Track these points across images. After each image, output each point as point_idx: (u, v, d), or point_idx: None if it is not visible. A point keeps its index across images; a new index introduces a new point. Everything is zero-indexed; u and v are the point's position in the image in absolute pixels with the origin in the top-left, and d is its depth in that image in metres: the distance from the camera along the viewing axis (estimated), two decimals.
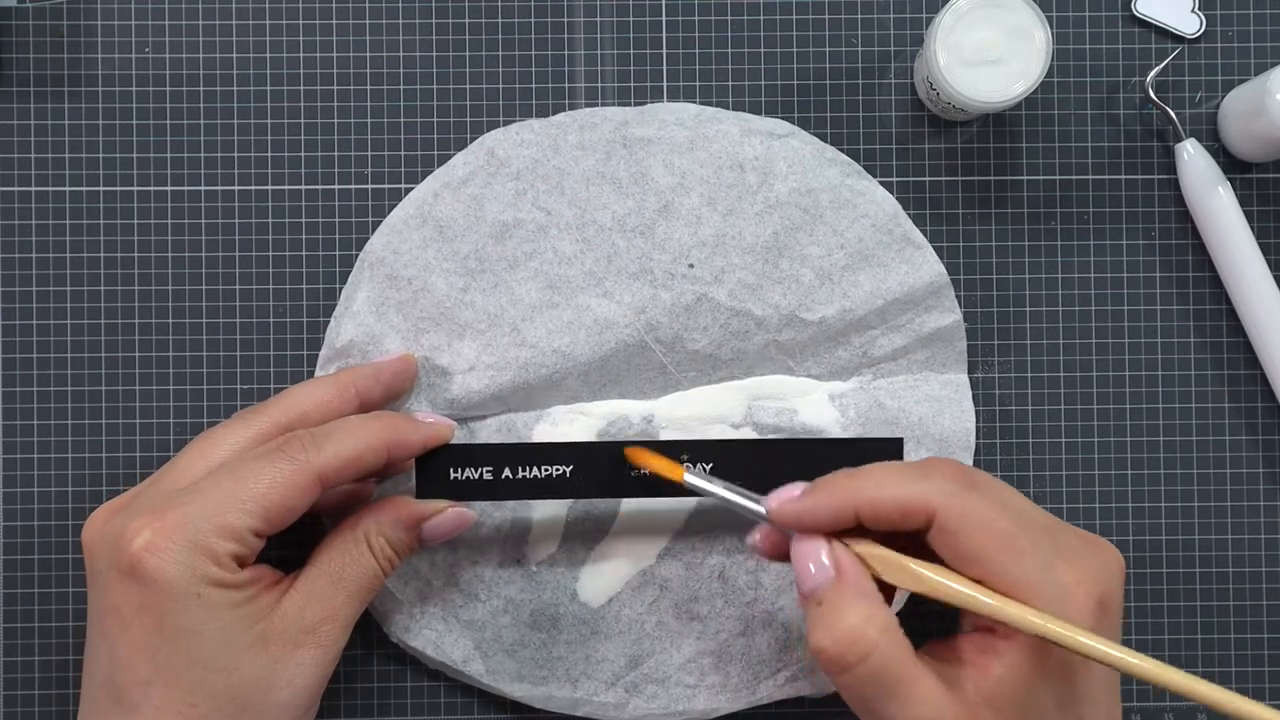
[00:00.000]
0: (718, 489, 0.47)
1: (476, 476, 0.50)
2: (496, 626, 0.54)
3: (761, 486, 0.47)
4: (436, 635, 0.54)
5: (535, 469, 0.51)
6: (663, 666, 0.54)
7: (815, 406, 0.54)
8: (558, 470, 0.51)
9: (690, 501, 0.54)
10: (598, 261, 0.54)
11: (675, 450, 0.51)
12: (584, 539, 0.54)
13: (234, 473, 0.46)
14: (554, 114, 0.55)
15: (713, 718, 0.54)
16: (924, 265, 0.54)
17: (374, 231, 0.55)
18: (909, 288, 0.54)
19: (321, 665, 0.47)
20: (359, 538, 0.49)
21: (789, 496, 0.45)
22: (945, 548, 0.43)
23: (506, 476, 0.50)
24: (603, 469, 0.51)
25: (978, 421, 0.56)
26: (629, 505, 0.54)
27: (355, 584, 0.48)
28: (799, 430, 0.54)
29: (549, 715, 0.55)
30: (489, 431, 0.54)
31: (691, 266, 0.54)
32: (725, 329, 0.54)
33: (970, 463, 0.54)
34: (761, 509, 0.46)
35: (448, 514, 0.51)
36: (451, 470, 0.50)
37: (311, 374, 0.55)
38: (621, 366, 0.54)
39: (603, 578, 0.54)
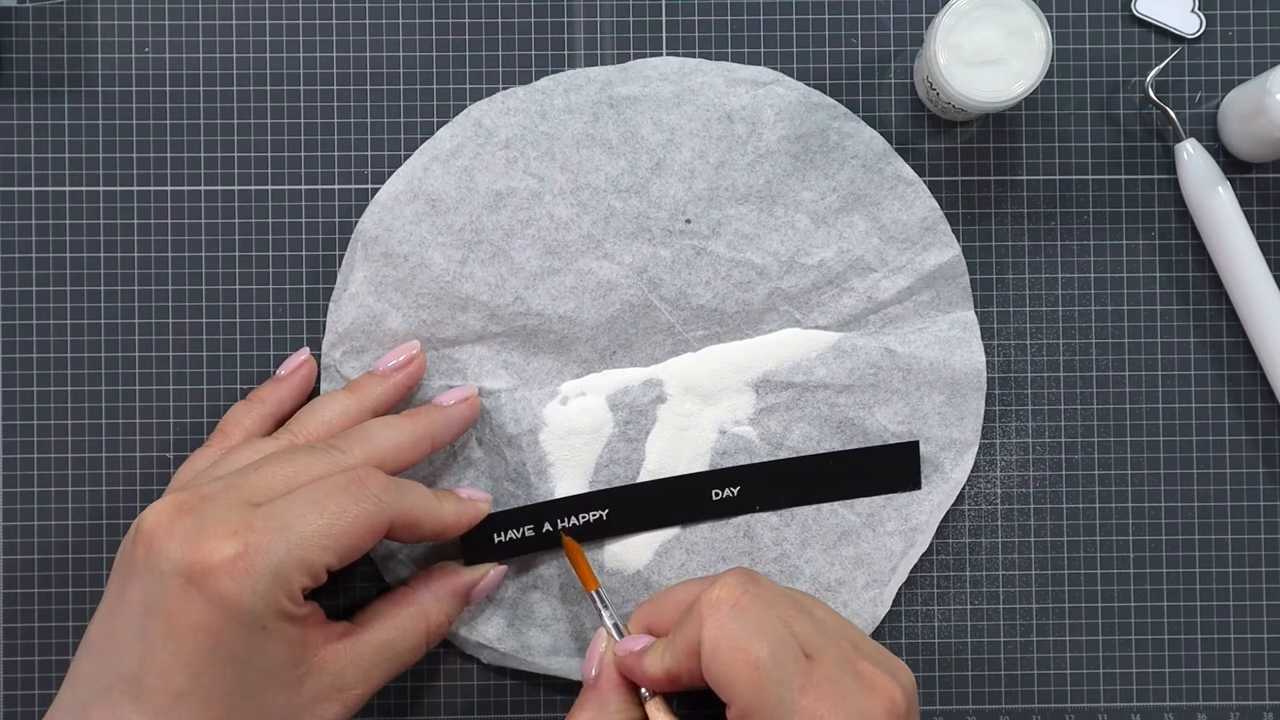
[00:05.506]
0: (605, 618, 0.51)
1: (519, 535, 0.53)
2: (528, 603, 0.55)
3: (788, 504, 0.54)
4: (469, 615, 0.54)
5: (573, 518, 0.54)
6: None
7: (826, 362, 0.54)
8: (594, 515, 0.54)
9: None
10: (595, 224, 0.54)
11: (699, 482, 0.54)
12: None
13: (318, 504, 0.46)
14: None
15: None
16: (917, 201, 0.55)
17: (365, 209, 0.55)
18: (903, 224, 0.55)
19: None
20: (417, 615, 0.50)
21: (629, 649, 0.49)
22: (708, 675, 0.46)
23: (547, 530, 0.53)
24: (635, 509, 0.54)
25: (990, 357, 0.56)
26: (654, 477, 0.55)
27: (401, 657, 0.49)
28: (811, 385, 0.54)
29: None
30: (504, 416, 0.54)
31: (689, 221, 0.54)
32: (728, 280, 0.55)
33: (982, 401, 0.55)
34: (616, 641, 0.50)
35: (492, 575, 0.53)
36: (496, 534, 0.53)
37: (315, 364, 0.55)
38: (629, 329, 0.55)
39: (630, 550, 0.55)
